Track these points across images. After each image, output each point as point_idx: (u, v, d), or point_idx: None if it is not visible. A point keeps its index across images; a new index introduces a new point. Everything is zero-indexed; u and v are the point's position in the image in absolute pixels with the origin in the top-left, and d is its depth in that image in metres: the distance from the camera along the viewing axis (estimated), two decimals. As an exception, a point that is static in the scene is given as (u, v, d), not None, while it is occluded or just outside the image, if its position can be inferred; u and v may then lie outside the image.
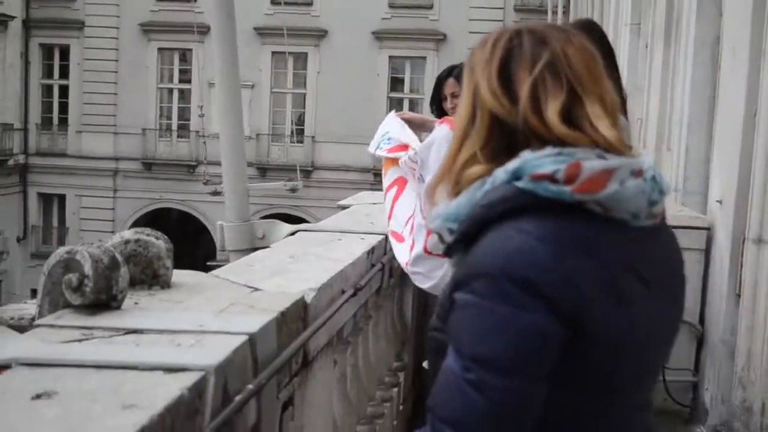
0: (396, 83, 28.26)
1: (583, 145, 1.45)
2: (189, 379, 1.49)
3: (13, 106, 28.25)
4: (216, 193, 3.83)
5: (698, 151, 6.90)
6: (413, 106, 27.94)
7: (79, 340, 1.75)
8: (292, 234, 3.48)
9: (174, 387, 1.45)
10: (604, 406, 1.49)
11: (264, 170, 27.85)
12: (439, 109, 4.40)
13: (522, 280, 1.37)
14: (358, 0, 27.13)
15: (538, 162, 1.43)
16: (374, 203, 4.71)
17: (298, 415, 2.24)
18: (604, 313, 1.40)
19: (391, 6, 27.65)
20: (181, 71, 29.06)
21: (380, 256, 3.40)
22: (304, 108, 28.41)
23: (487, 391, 1.36)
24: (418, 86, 28.04)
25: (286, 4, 27.42)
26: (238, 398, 1.64)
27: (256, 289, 2.32)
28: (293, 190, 4.23)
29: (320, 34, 27.70)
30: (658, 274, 1.52)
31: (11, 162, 28.04)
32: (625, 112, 3.67)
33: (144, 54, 28.65)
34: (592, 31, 3.70)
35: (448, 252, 1.54)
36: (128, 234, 2.24)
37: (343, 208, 4.59)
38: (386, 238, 3.53)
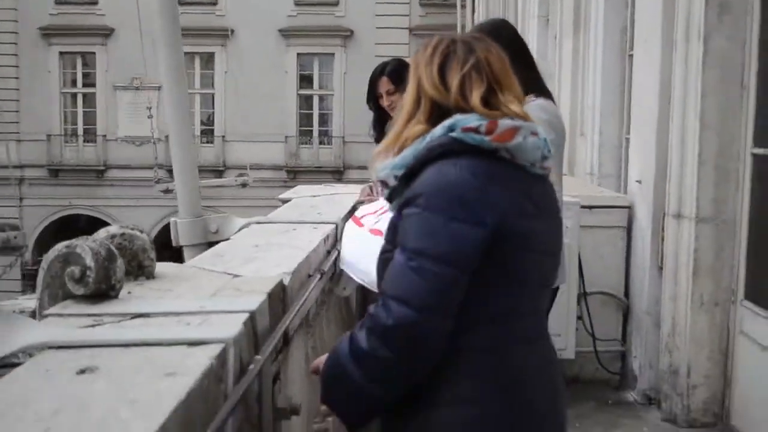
0: (305, 80, 28.31)
1: (497, 116, 1.99)
2: (213, 351, 1.63)
3: None
4: (168, 191, 3.92)
5: (611, 136, 7.26)
6: (323, 101, 28.12)
7: (92, 326, 1.87)
8: (245, 227, 3.60)
9: (203, 357, 1.59)
10: (517, 300, 1.99)
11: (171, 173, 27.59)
12: (376, 106, 4.57)
13: (458, 198, 1.89)
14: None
15: (467, 120, 1.97)
16: (314, 195, 4.87)
17: (284, 389, 2.39)
18: (514, 223, 1.92)
19: (297, 4, 27.66)
20: (84, 75, 28.56)
21: (333, 243, 3.56)
22: (213, 108, 28.23)
23: (424, 274, 1.85)
24: (327, 83, 28.16)
25: (189, 4, 27.27)
26: (251, 367, 1.79)
27: (236, 276, 2.46)
28: (243, 185, 4.34)
29: (226, 34, 27.56)
30: (545, 206, 2.06)
31: None
32: (548, 93, 3.87)
33: (45, 58, 28.05)
34: (500, 34, 3.94)
35: (391, 197, 2.04)
36: (113, 229, 2.35)
37: (284, 201, 4.72)
38: (336, 227, 3.68)
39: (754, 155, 4.48)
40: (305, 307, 2.67)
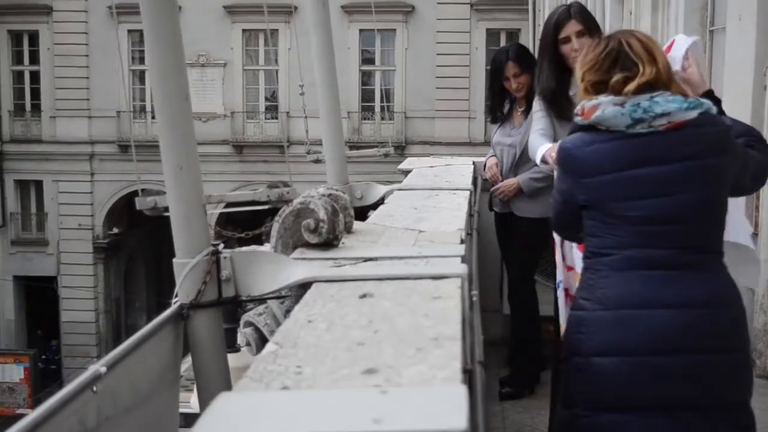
0: (366, 56, 28.64)
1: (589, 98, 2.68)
2: (456, 282, 2.03)
3: (-16, 95, 28.34)
4: (318, 162, 4.33)
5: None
6: (384, 77, 28.44)
7: (338, 266, 2.29)
8: (389, 193, 4.00)
9: (452, 286, 2.00)
10: (616, 236, 2.62)
11: (240, 148, 28.21)
12: (501, 89, 4.98)
13: (563, 160, 2.77)
14: (327, -25, 27.36)
15: (576, 109, 2.72)
16: (430, 166, 5.27)
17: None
18: (602, 177, 2.62)
19: (360, -20, 27.93)
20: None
21: (472, 207, 3.96)
22: (277, 84, 28.67)
23: (554, 195, 2.88)
24: (389, 58, 28.45)
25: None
26: (474, 299, 2.19)
27: (420, 231, 2.86)
28: (386, 155, 4.74)
29: (290, 10, 27.94)
30: (650, 157, 2.59)
31: (-14, 150, 28.16)
32: None
33: (115, 36, 28.72)
34: (588, 14, 4.30)
35: None
36: (322, 190, 2.77)
37: (404, 171, 5.12)
38: (471, 193, 4.08)
39: None
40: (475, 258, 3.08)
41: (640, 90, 2.61)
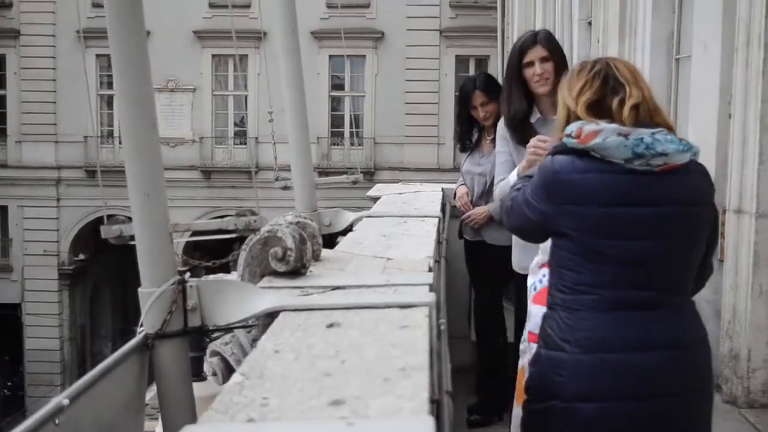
0: (336, 82, 28.72)
1: (589, 121, 2.56)
2: (423, 312, 2.03)
3: (-51, 119, 28.06)
4: (286, 188, 4.31)
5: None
6: (354, 103, 28.51)
7: (305, 295, 2.27)
8: (358, 220, 3.99)
9: (420, 315, 1.99)
10: (594, 276, 2.55)
11: (208, 173, 28.12)
12: (469, 118, 5.03)
13: (542, 181, 2.63)
14: (296, 2, 27.42)
15: (569, 128, 2.59)
16: (399, 193, 5.27)
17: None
18: (587, 208, 2.53)
19: (329, 6, 28.00)
20: (119, 77, 29.01)
21: (440, 234, 3.96)
22: (246, 110, 28.65)
23: (524, 201, 2.70)
24: (358, 84, 28.54)
25: (222, 6, 27.75)
26: (442, 328, 2.18)
27: (389, 258, 2.85)
28: (354, 182, 4.72)
29: (259, 36, 27.99)
30: (644, 198, 2.52)
31: (-50, 175, 27.81)
32: None
33: (82, 61, 28.59)
34: (555, 41, 4.34)
35: None
36: (290, 218, 2.75)
37: (373, 198, 5.11)
38: (439, 220, 4.08)
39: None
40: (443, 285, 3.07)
41: (632, 112, 2.57)
